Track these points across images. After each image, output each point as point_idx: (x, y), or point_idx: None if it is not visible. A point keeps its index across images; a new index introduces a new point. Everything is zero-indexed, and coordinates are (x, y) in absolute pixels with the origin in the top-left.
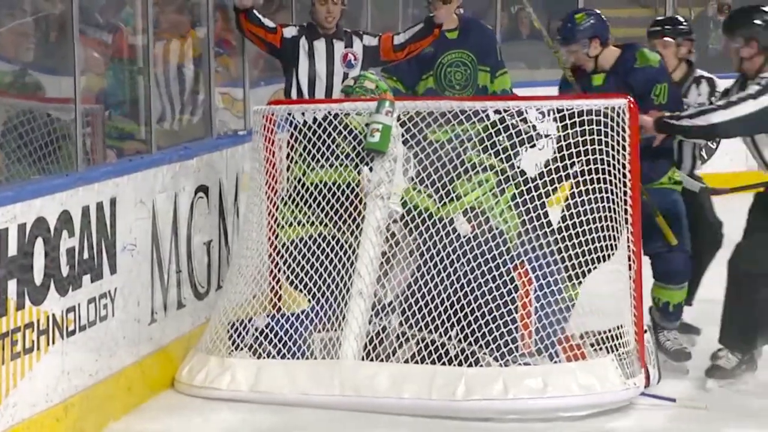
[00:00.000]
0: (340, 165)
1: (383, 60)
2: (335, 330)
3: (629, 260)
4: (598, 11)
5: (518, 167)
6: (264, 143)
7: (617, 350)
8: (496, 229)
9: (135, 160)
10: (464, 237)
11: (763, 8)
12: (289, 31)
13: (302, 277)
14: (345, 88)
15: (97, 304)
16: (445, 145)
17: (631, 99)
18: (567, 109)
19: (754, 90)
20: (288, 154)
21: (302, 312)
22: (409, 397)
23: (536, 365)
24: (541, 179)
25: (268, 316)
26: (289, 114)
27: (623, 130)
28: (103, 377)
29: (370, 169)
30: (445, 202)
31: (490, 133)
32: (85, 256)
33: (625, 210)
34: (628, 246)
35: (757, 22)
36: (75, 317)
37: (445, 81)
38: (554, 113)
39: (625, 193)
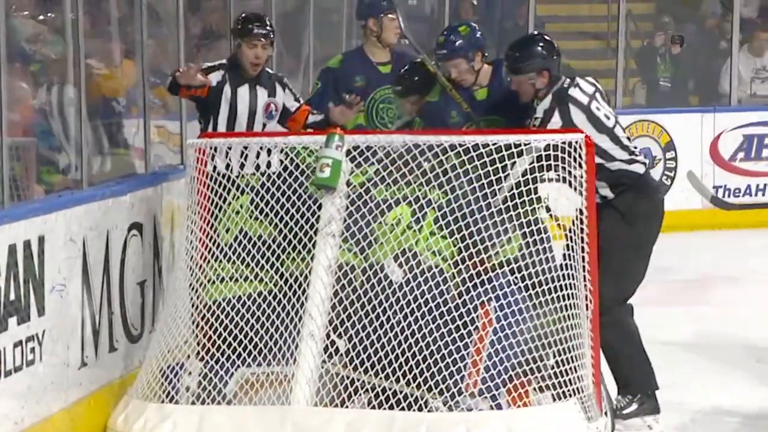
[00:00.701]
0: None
1: (286, 125)
2: (283, 369)
3: (586, 300)
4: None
5: (438, 187)
6: (198, 179)
7: (578, 393)
8: (431, 265)
9: (65, 196)
10: (397, 283)
11: (535, 37)
12: (215, 77)
13: (241, 338)
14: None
15: (24, 347)
16: (357, 188)
17: (588, 135)
18: (524, 144)
19: (539, 116)
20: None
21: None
22: None
23: (480, 409)
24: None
25: (204, 358)
26: (229, 148)
27: (579, 166)
28: (30, 425)
29: (319, 207)
30: (367, 253)
31: (398, 164)
32: (12, 297)
33: (582, 248)
34: (585, 285)
35: (542, 52)
36: (0, 362)
37: (377, 118)
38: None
39: (581, 230)
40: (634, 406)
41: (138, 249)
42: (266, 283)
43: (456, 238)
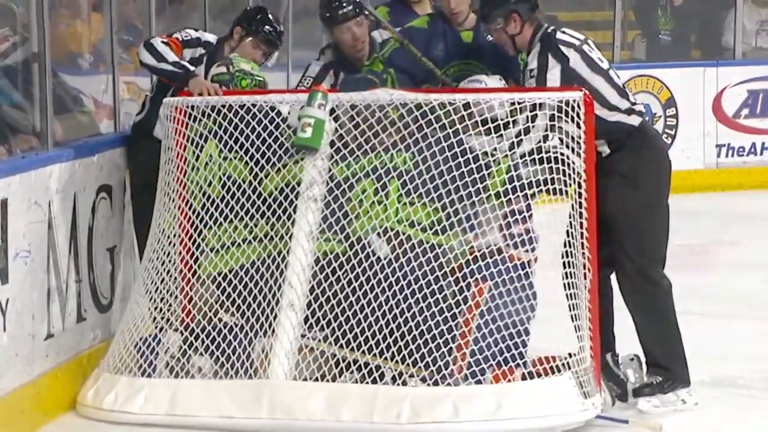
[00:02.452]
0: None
1: None
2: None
3: (584, 269)
4: None
5: (404, 150)
6: (177, 140)
7: (575, 367)
8: (409, 235)
9: (28, 157)
10: (385, 259)
11: None
12: (190, 53)
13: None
14: (219, 77)
15: None
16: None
17: (587, 92)
18: (518, 102)
19: (534, 67)
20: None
21: (226, 324)
22: (348, 419)
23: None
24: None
25: (184, 329)
26: (208, 107)
27: (578, 126)
28: None
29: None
30: (348, 233)
31: (341, 134)
32: None
33: (580, 213)
34: (583, 253)
35: None
36: None
37: None
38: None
39: (579, 194)
40: (669, 381)
41: (107, 213)
42: (263, 246)
43: (425, 202)
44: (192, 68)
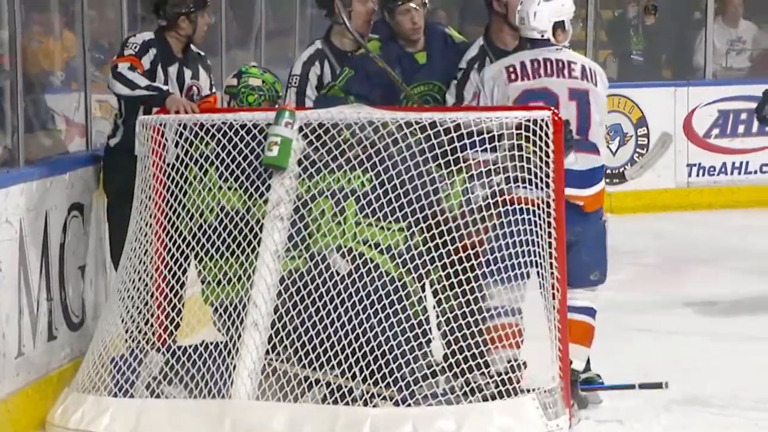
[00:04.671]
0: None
1: None
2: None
3: (553, 289)
4: None
5: (362, 173)
6: (153, 159)
7: (541, 387)
8: (366, 259)
9: (0, 175)
10: (345, 273)
11: None
12: (148, 58)
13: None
14: (228, 89)
15: None
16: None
17: (555, 111)
18: (484, 121)
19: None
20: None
21: (205, 344)
22: None
23: (446, 404)
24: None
25: (164, 349)
26: (180, 125)
27: (546, 145)
28: None
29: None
30: (305, 256)
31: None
32: None
33: (549, 233)
34: (552, 273)
35: None
36: None
37: None
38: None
39: (548, 214)
40: None
41: (79, 231)
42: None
43: (383, 225)
44: (165, 87)
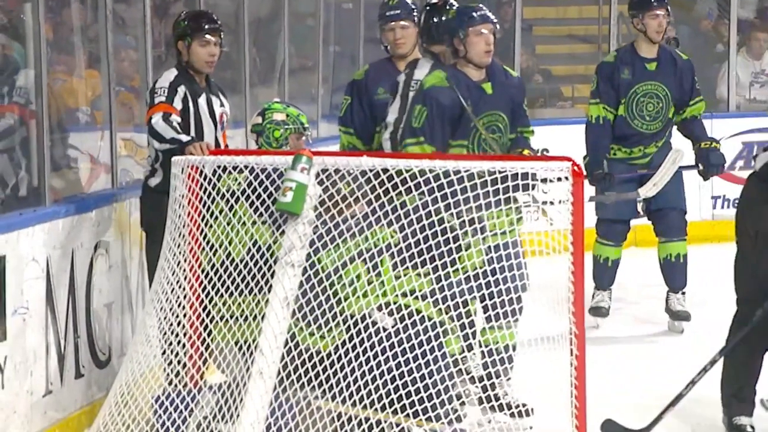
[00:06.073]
0: None
1: None
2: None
3: (570, 344)
4: None
5: (387, 225)
6: (190, 201)
7: None
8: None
9: (26, 214)
10: (387, 331)
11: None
12: (178, 99)
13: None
14: (254, 128)
15: None
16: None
17: (574, 161)
18: (499, 171)
19: None
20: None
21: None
22: None
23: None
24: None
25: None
26: (219, 167)
27: (565, 195)
28: None
29: (281, 234)
30: (331, 328)
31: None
32: None
33: (567, 287)
34: (570, 329)
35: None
36: None
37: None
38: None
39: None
40: None
41: (105, 269)
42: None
43: (420, 272)
44: (186, 138)
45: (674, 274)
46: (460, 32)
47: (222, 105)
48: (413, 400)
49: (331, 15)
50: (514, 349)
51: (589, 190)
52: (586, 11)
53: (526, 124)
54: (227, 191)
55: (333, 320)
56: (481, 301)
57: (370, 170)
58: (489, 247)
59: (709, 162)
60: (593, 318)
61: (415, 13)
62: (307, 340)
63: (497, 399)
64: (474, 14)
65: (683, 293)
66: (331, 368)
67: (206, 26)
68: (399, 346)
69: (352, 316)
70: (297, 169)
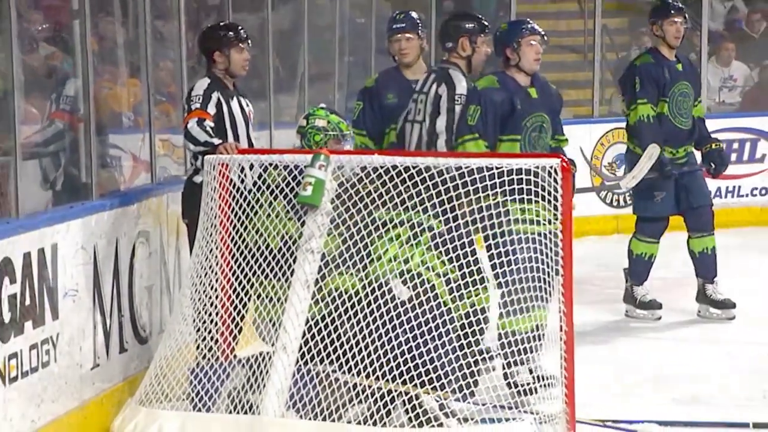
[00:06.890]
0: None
1: None
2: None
3: (560, 321)
4: None
5: (433, 217)
6: (221, 194)
7: (539, 414)
8: (423, 280)
9: (76, 207)
10: (407, 299)
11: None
12: (212, 105)
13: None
14: (300, 129)
15: (39, 350)
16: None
17: (564, 158)
18: (496, 167)
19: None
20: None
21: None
22: None
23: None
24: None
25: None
26: (248, 165)
27: (555, 190)
28: (45, 423)
29: (302, 223)
30: (368, 272)
31: (398, 187)
32: (27, 302)
33: (557, 270)
34: (560, 317)
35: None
36: (17, 363)
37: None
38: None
39: (556, 262)
40: None
41: (145, 255)
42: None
43: (454, 265)
44: (218, 141)
45: (710, 265)
46: (514, 43)
47: (248, 105)
48: (421, 371)
49: (345, 28)
50: (534, 333)
51: (577, 183)
52: (573, 24)
53: (560, 132)
54: (272, 182)
55: (360, 262)
56: (498, 288)
57: (381, 167)
58: (507, 240)
59: (723, 161)
60: (648, 311)
61: (420, 27)
62: (336, 280)
63: (516, 385)
64: (525, 27)
65: (716, 282)
66: (347, 344)
67: (244, 35)
68: (411, 319)
69: (376, 279)
70: (315, 166)
